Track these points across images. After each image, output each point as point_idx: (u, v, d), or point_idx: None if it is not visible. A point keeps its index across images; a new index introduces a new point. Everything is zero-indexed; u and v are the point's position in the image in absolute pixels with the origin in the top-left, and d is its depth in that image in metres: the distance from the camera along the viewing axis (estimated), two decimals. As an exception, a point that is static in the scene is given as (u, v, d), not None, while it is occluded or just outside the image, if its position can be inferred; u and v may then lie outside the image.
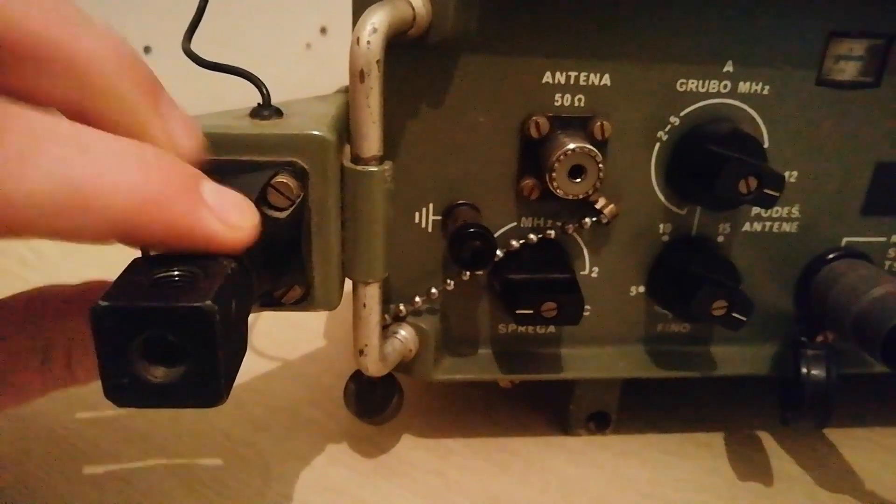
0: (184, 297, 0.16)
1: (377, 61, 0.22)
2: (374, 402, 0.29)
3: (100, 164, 0.16)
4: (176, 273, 0.17)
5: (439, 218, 0.28)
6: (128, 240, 0.17)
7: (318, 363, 0.38)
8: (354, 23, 0.23)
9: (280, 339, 0.39)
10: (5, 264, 0.45)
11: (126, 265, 0.18)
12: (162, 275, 0.17)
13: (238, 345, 0.18)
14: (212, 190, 0.18)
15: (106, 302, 0.16)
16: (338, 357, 0.38)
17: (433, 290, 0.28)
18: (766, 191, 0.25)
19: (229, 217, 0.18)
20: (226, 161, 0.22)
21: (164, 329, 0.16)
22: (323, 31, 0.79)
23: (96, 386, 0.17)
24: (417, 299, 0.28)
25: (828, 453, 0.32)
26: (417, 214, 0.28)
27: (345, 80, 0.29)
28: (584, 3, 0.25)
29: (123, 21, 0.66)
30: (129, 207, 0.16)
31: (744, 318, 0.27)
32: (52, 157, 0.15)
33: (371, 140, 0.23)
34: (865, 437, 0.33)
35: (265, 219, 0.21)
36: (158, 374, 0.16)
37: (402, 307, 0.28)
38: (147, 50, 0.66)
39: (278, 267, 0.22)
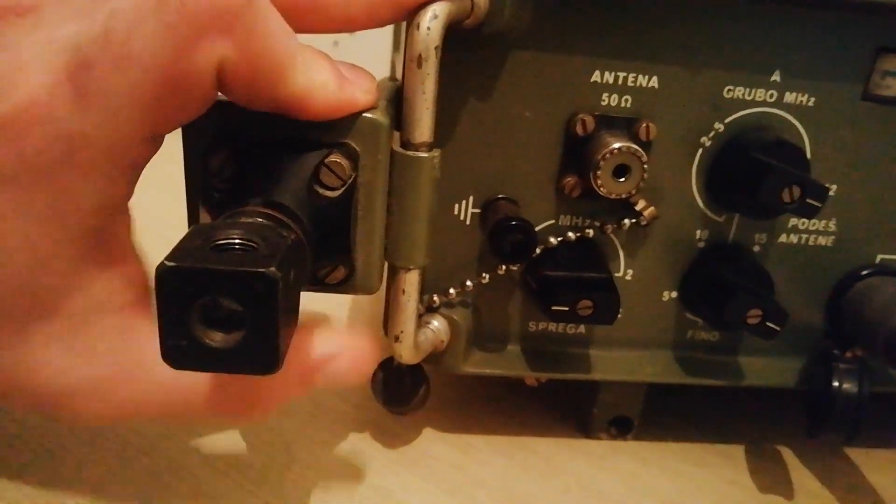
0: (248, 262, 0.16)
1: (436, 48, 0.22)
2: (401, 392, 0.29)
3: None
4: (237, 241, 0.17)
5: (478, 211, 0.28)
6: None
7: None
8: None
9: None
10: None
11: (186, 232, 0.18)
12: (223, 241, 0.17)
13: (292, 316, 0.18)
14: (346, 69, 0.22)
15: (171, 262, 0.16)
16: (360, 348, 0.38)
17: (468, 283, 0.28)
18: (809, 201, 0.25)
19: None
20: (280, 139, 0.22)
21: (226, 293, 0.16)
22: (351, 29, 0.79)
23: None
24: (451, 291, 0.28)
25: (849, 472, 0.32)
26: (457, 206, 0.28)
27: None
28: (635, 5, 0.26)
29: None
30: None
31: (778, 328, 0.27)
32: None
33: (423, 126, 0.23)
34: (888, 458, 0.33)
35: (317, 197, 0.22)
36: (216, 338, 0.16)
37: (435, 298, 0.28)
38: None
39: (326, 246, 0.22)
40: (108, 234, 0.21)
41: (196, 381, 0.22)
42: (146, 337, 0.21)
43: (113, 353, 0.21)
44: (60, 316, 0.21)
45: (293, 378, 0.23)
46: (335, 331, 0.24)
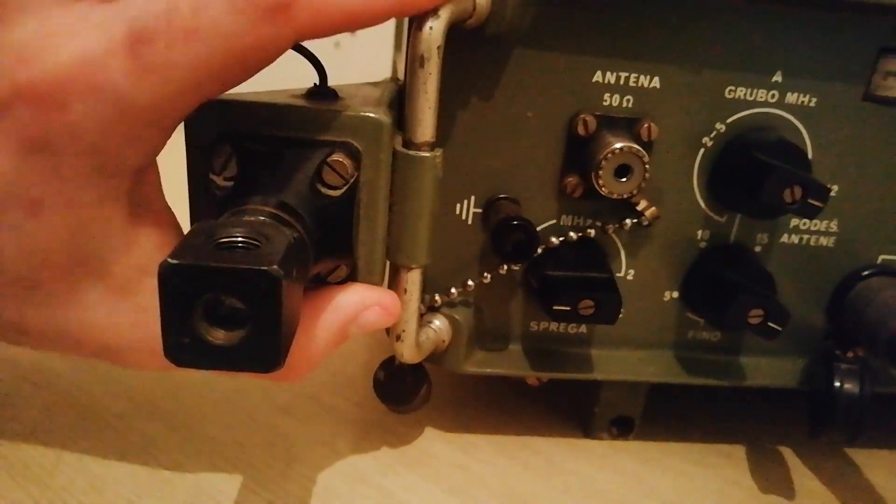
0: (251, 259, 0.16)
1: (438, 47, 0.22)
2: (402, 391, 0.29)
3: None
4: (239, 239, 0.17)
5: (480, 211, 0.28)
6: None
7: (342, 353, 0.37)
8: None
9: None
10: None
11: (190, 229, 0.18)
12: (225, 239, 0.17)
13: (295, 314, 0.18)
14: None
15: (174, 260, 0.16)
16: (361, 348, 0.38)
17: (469, 283, 0.28)
18: (811, 201, 0.25)
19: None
20: (283, 137, 0.22)
21: (229, 290, 0.16)
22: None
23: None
24: (453, 290, 0.28)
25: (850, 472, 0.32)
26: (458, 206, 0.28)
27: (372, 79, 0.29)
28: (636, 5, 0.26)
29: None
30: None
31: (780, 328, 0.27)
32: None
33: (426, 126, 0.23)
34: (890, 459, 0.33)
35: (319, 196, 0.22)
36: (219, 335, 0.16)
37: (437, 297, 0.28)
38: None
39: (328, 245, 0.22)
40: (145, 192, 0.22)
41: None
42: None
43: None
44: (111, 276, 0.21)
45: (332, 333, 0.24)
46: (363, 286, 0.25)
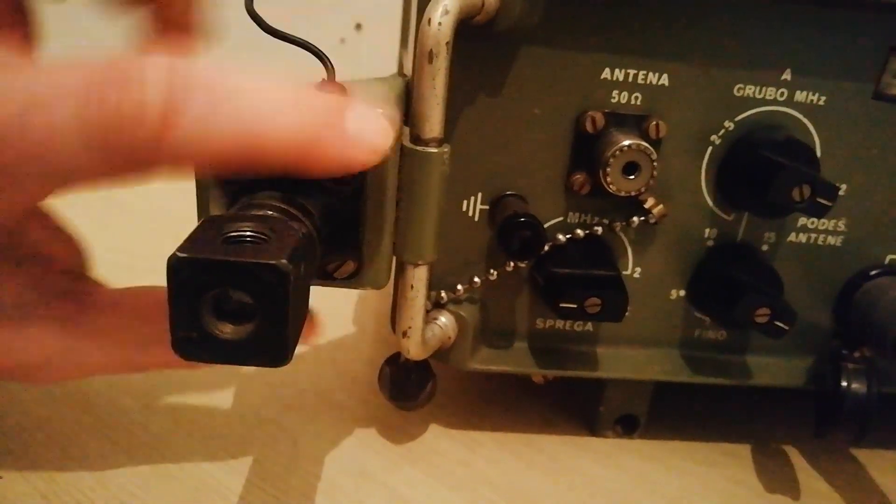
0: (260, 254, 0.16)
1: (446, 43, 0.22)
2: (408, 388, 0.29)
3: (265, 109, 0.19)
4: (248, 233, 0.17)
5: (486, 207, 0.28)
6: (280, 170, 0.19)
7: (347, 350, 0.38)
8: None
9: (309, 323, 0.39)
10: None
11: (197, 224, 0.18)
12: (234, 233, 0.17)
13: (302, 309, 0.18)
14: (355, 117, 0.20)
15: (183, 253, 0.16)
16: (366, 344, 0.38)
17: (475, 280, 0.28)
18: (819, 200, 0.25)
19: (369, 141, 0.20)
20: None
21: (237, 285, 0.16)
22: (358, 27, 0.80)
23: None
24: (459, 287, 0.28)
25: (856, 473, 0.32)
26: (465, 202, 0.28)
27: (376, 76, 0.29)
28: (646, 2, 0.26)
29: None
30: (288, 148, 0.19)
31: (786, 327, 0.27)
32: (231, 108, 0.18)
33: (434, 122, 0.23)
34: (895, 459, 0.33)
35: (327, 192, 0.22)
36: (227, 330, 0.16)
37: (443, 294, 0.28)
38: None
39: (335, 240, 0.22)
40: (17, 236, 0.22)
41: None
42: (87, 321, 0.23)
43: (57, 338, 0.23)
44: None
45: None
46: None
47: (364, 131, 0.20)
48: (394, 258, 0.25)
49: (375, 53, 0.59)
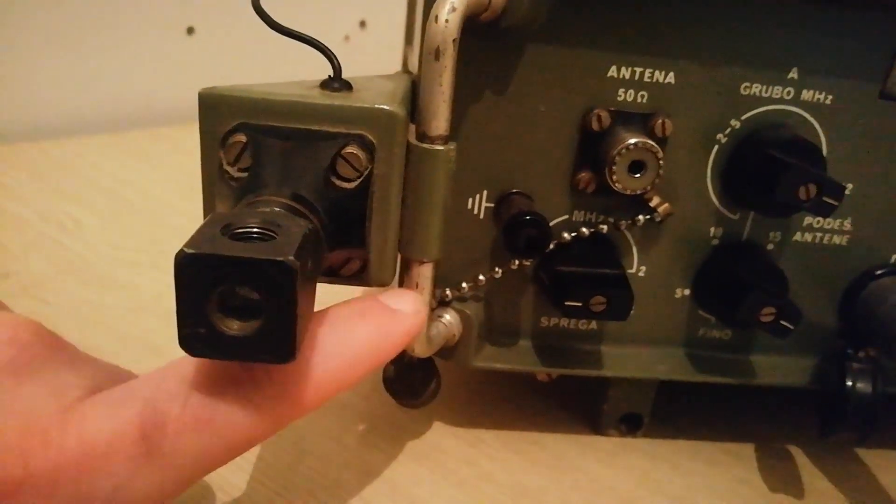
0: (267, 250, 0.16)
1: (453, 40, 0.22)
2: (412, 385, 0.29)
3: (358, 339, 0.21)
4: (255, 229, 0.17)
5: (492, 205, 0.28)
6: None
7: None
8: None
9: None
10: (46, 230, 0.45)
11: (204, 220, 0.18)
12: (241, 229, 0.17)
13: (308, 306, 0.18)
14: (393, 298, 0.23)
15: (191, 249, 0.16)
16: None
17: (480, 277, 0.28)
18: (825, 199, 0.25)
19: (409, 308, 0.23)
20: (297, 129, 0.22)
21: (244, 281, 0.16)
22: (362, 24, 0.80)
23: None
24: (464, 285, 0.28)
25: (860, 473, 0.32)
26: (470, 200, 0.28)
27: (381, 73, 0.29)
28: (653, 0, 0.25)
29: (164, 1, 0.67)
30: (374, 357, 0.22)
31: (791, 327, 0.27)
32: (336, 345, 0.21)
33: (440, 119, 0.23)
34: (899, 458, 0.33)
35: (333, 189, 0.22)
36: (234, 326, 0.16)
37: (448, 292, 0.28)
38: (190, 31, 0.66)
39: (341, 237, 0.22)
40: None
41: None
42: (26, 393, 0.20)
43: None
44: None
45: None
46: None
47: (402, 302, 0.23)
48: (399, 255, 0.25)
49: (379, 51, 0.59)
